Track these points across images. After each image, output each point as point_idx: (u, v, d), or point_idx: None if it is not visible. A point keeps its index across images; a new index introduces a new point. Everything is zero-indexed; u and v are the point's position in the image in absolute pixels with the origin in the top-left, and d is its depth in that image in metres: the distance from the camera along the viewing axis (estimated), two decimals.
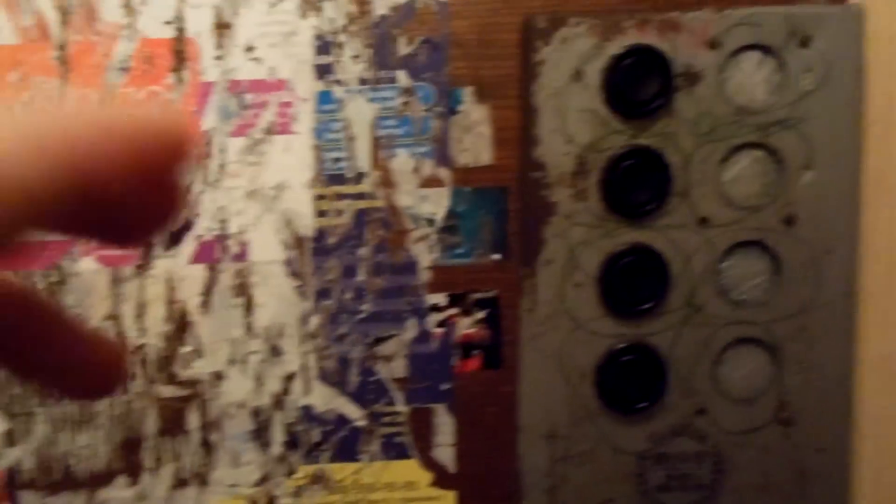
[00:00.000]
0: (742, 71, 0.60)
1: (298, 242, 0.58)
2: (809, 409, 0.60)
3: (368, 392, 0.59)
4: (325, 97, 0.56)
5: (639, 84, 0.58)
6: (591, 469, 0.58)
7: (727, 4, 0.60)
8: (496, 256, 0.59)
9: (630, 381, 0.58)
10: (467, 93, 0.57)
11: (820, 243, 0.60)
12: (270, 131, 0.56)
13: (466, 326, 0.60)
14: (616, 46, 0.58)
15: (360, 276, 0.58)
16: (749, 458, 0.60)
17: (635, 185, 0.58)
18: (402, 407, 0.60)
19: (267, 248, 0.57)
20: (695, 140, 0.58)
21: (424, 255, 0.58)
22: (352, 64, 0.56)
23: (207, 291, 0.57)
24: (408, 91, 0.56)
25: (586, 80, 0.58)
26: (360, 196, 0.57)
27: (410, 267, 0.58)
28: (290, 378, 0.59)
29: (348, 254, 0.58)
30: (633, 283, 0.58)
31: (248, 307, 0.58)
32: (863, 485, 0.65)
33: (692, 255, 0.58)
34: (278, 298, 0.58)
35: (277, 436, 0.59)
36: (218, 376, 0.58)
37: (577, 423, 0.58)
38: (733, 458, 0.60)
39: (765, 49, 0.59)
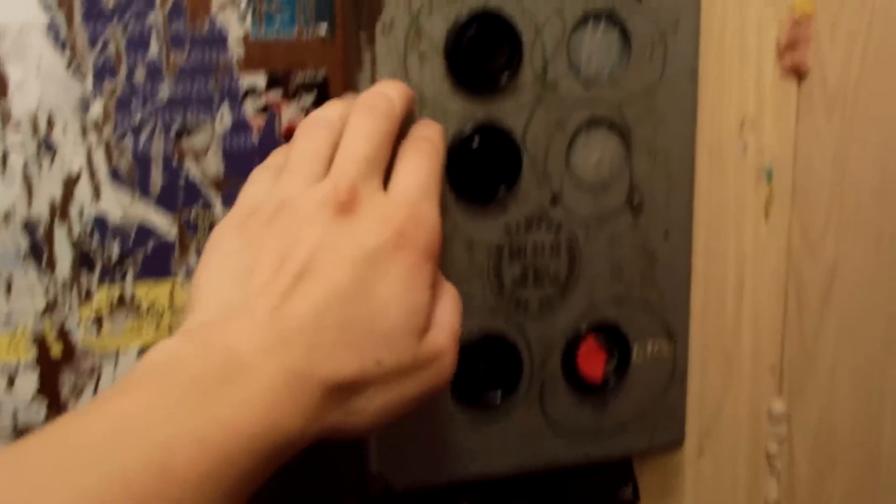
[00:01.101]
0: None
1: (63, 1, 0.31)
2: (657, 194, 0.42)
3: (177, 196, 0.35)
4: None
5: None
6: (446, 265, 0.36)
7: None
8: (323, 27, 0.35)
9: (483, 168, 0.36)
10: None
11: (667, 16, 0.39)
12: None
13: (291, 115, 0.36)
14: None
15: (153, 50, 0.33)
16: (601, 247, 0.40)
17: None
18: (220, 212, 0.36)
19: (17, 6, 0.31)
20: None
21: (234, 24, 0.34)
22: None
23: None
24: None
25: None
26: None
27: (217, 39, 0.34)
28: (72, 181, 0.33)
29: (134, 20, 0.32)
30: (482, 54, 0.35)
31: (2, 87, 0.31)
32: (697, 273, 0.47)
33: (544, 23, 0.36)
34: (42, 76, 0.32)
35: (63, 253, 0.34)
36: None
37: None
38: (586, 247, 0.39)
39: None
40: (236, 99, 0.37)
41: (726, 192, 0.50)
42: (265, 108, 0.37)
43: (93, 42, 0.34)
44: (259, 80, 0.37)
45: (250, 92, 0.37)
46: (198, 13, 0.35)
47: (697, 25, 0.43)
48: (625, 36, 0.41)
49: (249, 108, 0.37)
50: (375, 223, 0.29)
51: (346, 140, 0.31)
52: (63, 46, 0.34)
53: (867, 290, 0.51)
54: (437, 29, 0.37)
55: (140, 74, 0.35)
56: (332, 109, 0.33)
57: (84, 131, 0.35)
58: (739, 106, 0.49)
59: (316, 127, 0.32)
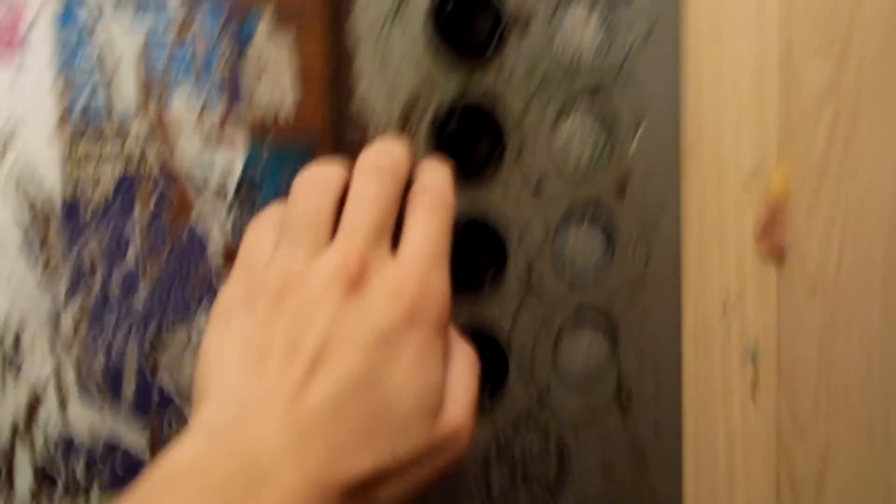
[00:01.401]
0: (569, 23, 0.39)
1: (39, 217, 0.30)
2: (645, 387, 0.41)
3: (149, 408, 0.33)
4: (68, 17, 0.30)
5: (467, 24, 0.35)
6: None
7: None
8: None
9: None
10: (265, 19, 0.32)
11: (650, 212, 0.40)
12: None
13: None
14: None
15: (131, 258, 0.32)
16: (591, 447, 0.39)
17: (465, 146, 0.35)
18: None
19: None
20: (524, 98, 0.37)
21: (215, 229, 0.33)
22: None
23: None
24: (185, 13, 0.31)
25: (408, 17, 0.35)
26: (124, 153, 0.31)
27: (198, 244, 0.33)
28: (37, 397, 0.31)
29: (112, 229, 0.32)
30: (467, 258, 0.35)
31: None
32: (688, 461, 0.46)
33: (526, 225, 0.36)
34: (14, 288, 0.30)
35: (24, 472, 0.31)
36: None
37: None
38: (576, 448, 0.38)
39: (591, 3, 0.38)
40: None
41: (713, 375, 0.49)
42: None
43: (67, 254, 0.33)
44: None
45: None
46: (178, 221, 0.34)
47: (679, 218, 0.43)
48: (608, 233, 0.41)
49: None
50: (387, 298, 0.28)
51: (352, 206, 0.30)
52: (36, 260, 0.33)
53: (861, 481, 0.49)
54: None
55: (115, 284, 0.34)
56: (330, 168, 0.31)
57: (53, 345, 0.33)
58: (721, 289, 0.49)
59: (315, 187, 0.30)
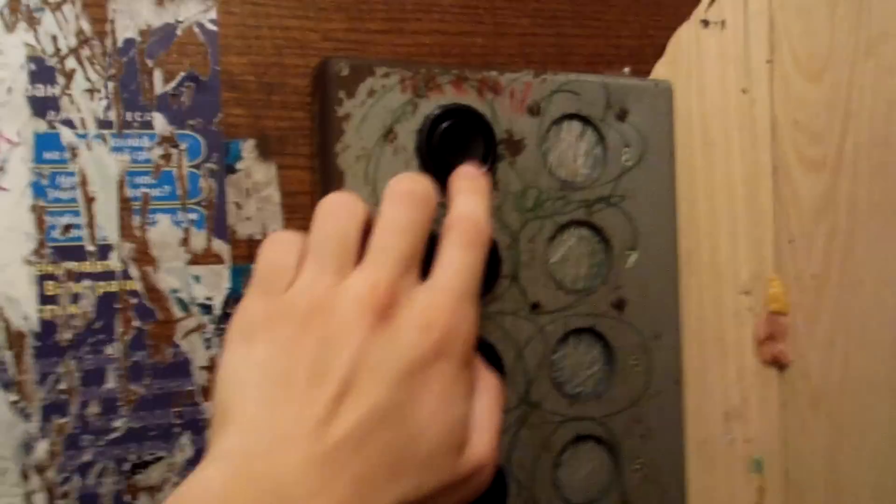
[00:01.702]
0: (563, 142, 0.39)
1: (14, 339, 0.29)
2: None
3: None
4: (47, 141, 0.29)
5: (459, 150, 0.35)
6: None
7: (541, 68, 0.38)
8: None
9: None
10: (247, 147, 0.32)
11: (649, 328, 0.39)
12: None
13: None
14: (431, 105, 0.35)
15: (110, 383, 0.31)
16: None
17: None
18: None
19: None
20: (520, 216, 0.36)
21: (199, 351, 0.32)
22: (87, 100, 0.29)
23: None
24: (167, 140, 0.30)
25: (399, 142, 0.34)
26: (105, 275, 0.30)
27: (181, 367, 0.32)
28: None
29: (91, 353, 0.30)
30: None
31: None
32: None
33: (526, 343, 0.35)
34: None
35: None
36: None
37: None
38: None
39: (585, 120, 0.38)
40: (198, 428, 0.34)
41: (718, 488, 0.47)
42: None
43: (43, 379, 0.32)
44: None
45: None
46: (161, 341, 0.33)
47: (679, 333, 0.42)
48: (607, 349, 0.40)
49: None
50: (416, 331, 0.27)
51: (383, 231, 0.28)
52: (8, 386, 0.31)
53: None
54: None
55: (93, 409, 0.32)
56: (355, 195, 0.30)
57: (25, 475, 0.31)
58: (724, 398, 0.47)
59: (342, 210, 0.29)
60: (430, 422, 0.27)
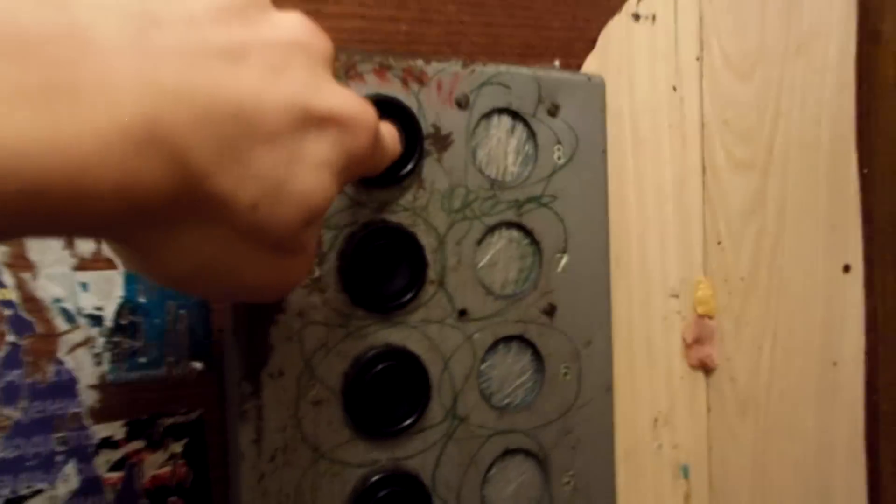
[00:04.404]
0: (493, 138, 0.37)
1: None
2: None
3: None
4: None
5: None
6: None
7: (469, 58, 0.36)
8: (197, 365, 0.30)
9: None
10: None
11: (580, 334, 0.38)
12: None
13: (156, 465, 0.30)
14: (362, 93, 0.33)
15: None
16: None
17: (383, 270, 0.32)
18: None
19: None
20: (447, 217, 0.34)
21: (87, 368, 0.28)
22: None
23: None
24: None
25: None
26: None
27: (64, 387, 0.28)
28: None
29: None
30: (385, 394, 0.32)
31: None
32: None
33: (452, 353, 0.33)
34: None
35: None
36: None
37: None
38: None
39: (515, 115, 0.37)
40: (85, 455, 0.30)
41: (645, 493, 0.46)
42: (123, 462, 0.31)
43: None
44: (116, 429, 0.31)
45: (104, 445, 0.31)
46: (40, 357, 0.29)
47: (610, 339, 0.41)
48: (537, 357, 0.38)
49: (102, 463, 0.31)
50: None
51: None
52: None
53: None
54: (332, 373, 0.32)
55: None
56: None
57: None
58: (652, 404, 0.47)
59: None
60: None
